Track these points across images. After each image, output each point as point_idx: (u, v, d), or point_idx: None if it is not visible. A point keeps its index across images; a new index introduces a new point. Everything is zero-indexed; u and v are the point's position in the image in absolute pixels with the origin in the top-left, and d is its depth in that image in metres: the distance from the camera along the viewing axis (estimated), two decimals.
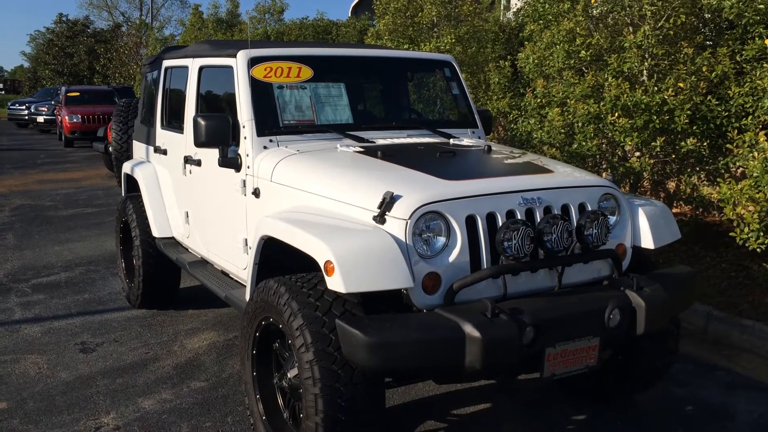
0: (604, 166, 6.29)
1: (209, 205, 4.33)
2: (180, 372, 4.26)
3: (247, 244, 3.84)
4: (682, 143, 5.47)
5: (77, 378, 4.18)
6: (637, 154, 6.02)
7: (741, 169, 5.33)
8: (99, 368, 4.32)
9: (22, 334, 4.90)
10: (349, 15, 21.22)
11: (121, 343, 4.73)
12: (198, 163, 4.36)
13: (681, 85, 5.39)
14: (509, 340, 2.65)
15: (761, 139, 4.52)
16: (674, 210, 6.75)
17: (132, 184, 5.42)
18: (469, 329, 2.61)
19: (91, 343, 4.73)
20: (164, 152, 4.98)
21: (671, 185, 6.68)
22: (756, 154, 4.50)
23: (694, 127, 5.52)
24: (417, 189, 2.93)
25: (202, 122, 3.65)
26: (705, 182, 6.19)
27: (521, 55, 6.87)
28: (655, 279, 3.14)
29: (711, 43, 5.92)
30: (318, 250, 2.76)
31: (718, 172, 5.72)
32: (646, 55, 5.72)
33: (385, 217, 2.83)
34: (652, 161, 5.86)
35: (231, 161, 3.80)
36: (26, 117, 27.26)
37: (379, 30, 9.59)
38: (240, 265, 3.94)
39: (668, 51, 5.62)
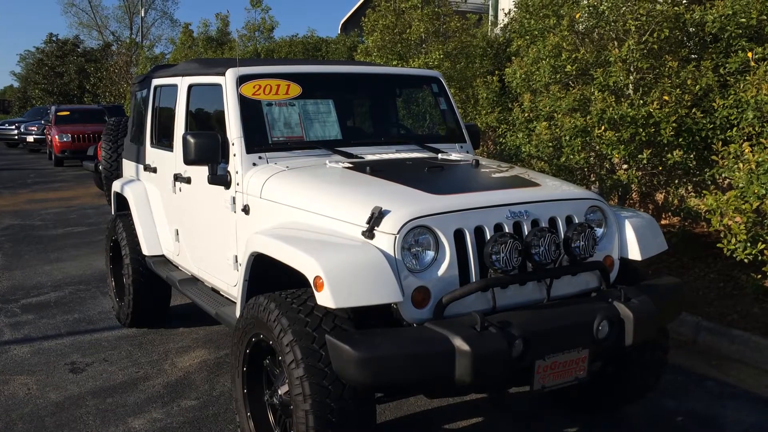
0: (593, 179, 6.34)
1: (199, 222, 4.34)
2: (170, 391, 4.23)
3: (237, 261, 3.84)
4: (669, 155, 5.52)
5: (67, 398, 4.15)
6: (625, 166, 6.08)
7: (727, 180, 5.39)
8: (89, 388, 4.29)
9: (11, 354, 4.87)
10: (339, 32, 21.35)
11: (111, 363, 4.70)
12: (188, 180, 4.37)
13: (666, 98, 5.46)
14: (499, 353, 2.66)
15: (746, 151, 4.58)
16: (663, 221, 6.81)
17: (122, 202, 5.42)
18: (459, 343, 2.62)
19: (80, 363, 4.70)
20: (154, 170, 4.99)
21: (659, 197, 6.74)
22: (741, 165, 4.55)
23: (680, 140, 5.59)
24: (405, 204, 2.94)
25: (192, 140, 3.67)
26: (692, 194, 6.25)
27: (508, 70, 6.94)
28: (642, 290, 3.16)
29: (695, 56, 6.00)
30: (307, 266, 2.77)
31: (704, 184, 5.77)
32: (631, 69, 5.80)
33: (374, 231, 2.85)
34: (639, 173, 5.92)
35: (220, 178, 3.81)
36: (16, 137, 27.15)
37: (368, 47, 9.66)
38: (230, 282, 3.94)
39: (653, 65, 5.70)
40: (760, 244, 4.43)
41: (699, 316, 5.03)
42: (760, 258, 4.48)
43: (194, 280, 4.59)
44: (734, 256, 4.54)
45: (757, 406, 4.01)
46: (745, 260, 4.51)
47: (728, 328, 4.81)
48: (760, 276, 4.94)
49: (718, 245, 4.68)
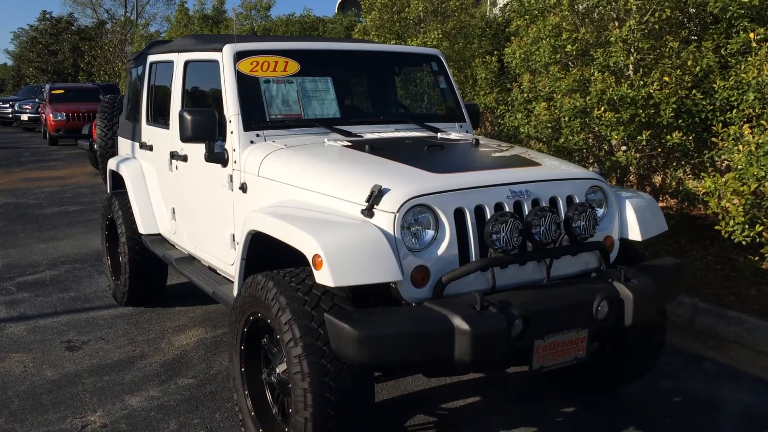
0: (591, 161, 6.31)
1: (196, 200, 4.30)
2: (167, 369, 4.23)
3: (234, 240, 3.82)
4: (668, 137, 5.49)
5: (63, 376, 4.14)
6: (624, 148, 6.05)
7: (726, 162, 5.37)
8: (85, 366, 4.28)
9: (7, 332, 4.85)
10: (336, 11, 21.16)
11: (107, 341, 4.69)
12: (184, 158, 4.32)
13: (666, 79, 5.42)
14: (498, 332, 2.65)
15: (746, 132, 4.55)
16: (660, 203, 6.79)
17: (117, 180, 5.37)
18: (459, 322, 2.60)
19: (77, 341, 4.68)
20: (150, 148, 4.94)
21: (657, 179, 6.73)
22: (741, 147, 4.53)
23: (680, 121, 5.56)
24: (405, 182, 2.92)
25: (188, 117, 3.62)
26: (690, 176, 6.23)
27: (508, 50, 6.88)
28: (642, 271, 3.15)
29: (696, 37, 5.96)
30: (306, 244, 2.75)
31: (703, 166, 5.76)
32: (632, 50, 5.75)
33: (374, 210, 2.82)
34: (638, 155, 5.89)
35: (217, 156, 3.77)
36: (10, 115, 26.99)
37: (366, 26, 9.57)
38: (227, 261, 3.92)
39: (653, 45, 5.65)
40: (758, 226, 4.42)
41: (696, 297, 5.04)
42: (757, 240, 4.47)
43: (191, 259, 4.56)
44: (732, 238, 4.53)
45: (753, 387, 4.02)
46: (743, 242, 4.51)
47: (725, 310, 4.82)
48: (757, 258, 4.93)
49: (716, 227, 4.67)
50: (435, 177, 3.00)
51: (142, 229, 4.93)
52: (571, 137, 5.81)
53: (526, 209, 3.03)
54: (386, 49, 4.84)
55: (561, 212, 3.11)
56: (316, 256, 2.68)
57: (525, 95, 6.52)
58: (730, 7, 5.37)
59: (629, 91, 5.42)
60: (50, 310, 5.33)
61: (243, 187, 3.66)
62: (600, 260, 3.24)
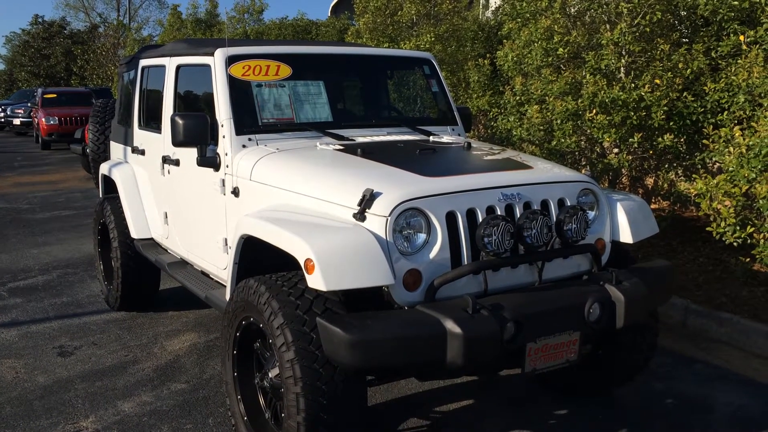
0: (583, 163, 6.33)
1: (188, 205, 4.30)
2: (160, 374, 4.21)
3: (226, 244, 3.81)
4: (659, 139, 5.52)
5: (55, 382, 4.12)
6: (615, 150, 6.08)
7: (717, 164, 5.40)
8: (77, 372, 4.26)
9: None
10: (329, 14, 21.18)
11: (99, 346, 4.67)
12: (176, 162, 4.32)
13: (657, 81, 5.45)
14: (490, 335, 2.65)
15: (737, 135, 4.58)
16: (652, 206, 6.82)
17: (110, 185, 5.36)
18: (451, 325, 2.61)
19: (69, 347, 4.67)
20: (142, 152, 4.93)
21: (649, 181, 6.76)
22: (731, 149, 4.55)
23: (671, 123, 5.59)
24: (397, 186, 2.92)
25: (180, 121, 3.61)
26: (682, 178, 6.26)
27: (500, 53, 6.90)
28: (633, 273, 3.16)
29: (687, 40, 5.99)
30: (298, 249, 2.75)
31: (694, 168, 5.79)
32: (623, 52, 5.78)
33: (366, 214, 2.82)
34: (630, 157, 5.92)
35: (210, 160, 3.77)
36: (2, 119, 26.86)
37: (359, 29, 9.59)
38: (220, 265, 3.91)
39: (645, 48, 5.68)
40: (749, 227, 4.45)
41: (688, 299, 5.06)
42: (748, 241, 4.49)
43: (183, 264, 4.55)
44: (723, 239, 4.56)
45: (745, 388, 4.04)
46: (734, 244, 4.53)
47: (717, 312, 4.84)
48: (748, 259, 4.96)
49: (707, 229, 4.69)
50: (427, 180, 3.00)
51: (135, 233, 4.92)
52: (563, 140, 5.83)
53: (518, 212, 3.03)
54: (378, 52, 4.85)
55: (552, 215, 3.12)
56: (308, 260, 2.67)
57: (517, 98, 6.54)
58: (721, 10, 5.40)
59: (621, 93, 5.44)
60: (42, 315, 5.31)
61: (235, 191, 3.66)
62: (591, 263, 3.24)
